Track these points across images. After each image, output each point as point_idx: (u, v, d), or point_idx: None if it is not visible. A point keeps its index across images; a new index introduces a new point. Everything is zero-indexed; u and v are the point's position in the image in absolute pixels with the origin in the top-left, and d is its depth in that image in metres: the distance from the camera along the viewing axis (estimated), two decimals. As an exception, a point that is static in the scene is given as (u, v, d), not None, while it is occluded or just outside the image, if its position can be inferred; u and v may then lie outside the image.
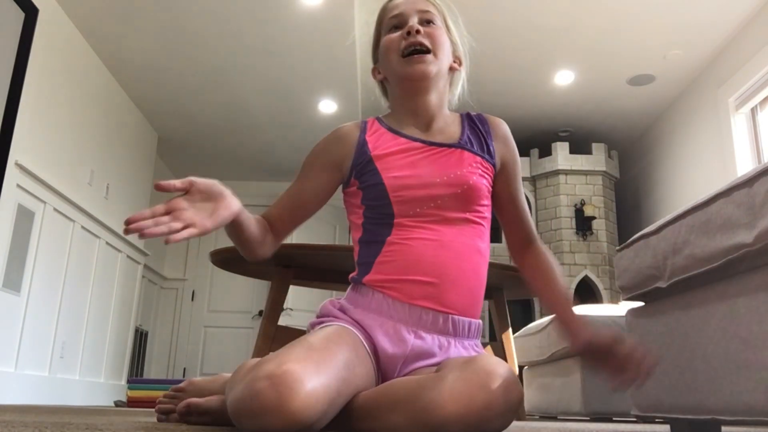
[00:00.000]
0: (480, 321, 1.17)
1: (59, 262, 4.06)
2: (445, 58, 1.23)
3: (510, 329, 2.89)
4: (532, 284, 1.26)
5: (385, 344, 1.06)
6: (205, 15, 4.03)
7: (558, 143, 6.01)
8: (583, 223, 5.81)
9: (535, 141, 6.15)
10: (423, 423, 0.86)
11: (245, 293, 6.59)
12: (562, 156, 5.97)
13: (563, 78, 5.07)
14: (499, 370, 0.88)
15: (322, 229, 6.32)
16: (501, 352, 2.80)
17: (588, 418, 3.07)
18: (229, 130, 5.69)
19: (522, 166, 1.31)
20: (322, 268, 2.58)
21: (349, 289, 1.17)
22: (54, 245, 3.98)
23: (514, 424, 1.88)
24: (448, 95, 1.29)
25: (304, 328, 1.31)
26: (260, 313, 6.33)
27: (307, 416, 0.83)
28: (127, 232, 0.82)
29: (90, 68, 4.41)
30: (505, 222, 1.28)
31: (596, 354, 1.06)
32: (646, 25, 4.35)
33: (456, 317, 1.11)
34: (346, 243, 6.31)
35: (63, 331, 4.13)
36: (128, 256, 5.16)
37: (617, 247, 1.67)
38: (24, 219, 3.63)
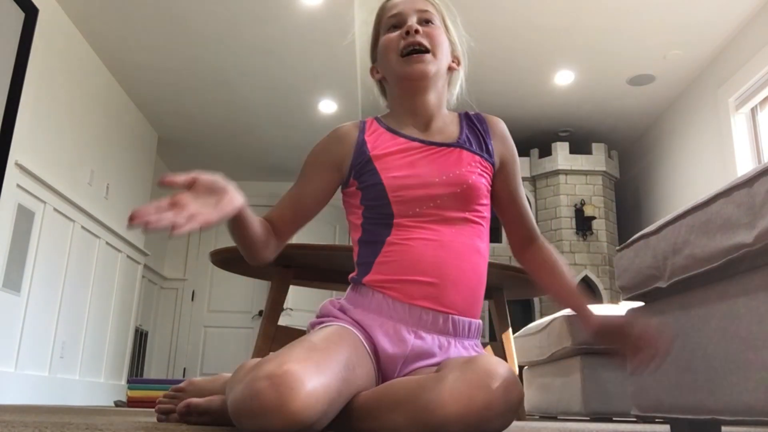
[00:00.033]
0: (480, 321, 1.17)
1: (59, 262, 4.06)
2: (444, 58, 1.23)
3: (510, 329, 2.89)
4: (538, 280, 1.27)
5: (385, 344, 1.06)
6: (205, 15, 4.03)
7: (558, 143, 6.01)
8: (583, 223, 5.81)
9: (535, 141, 6.15)
10: (423, 423, 0.86)
11: (245, 293, 6.59)
12: (562, 156, 5.97)
13: (563, 78, 5.07)
14: (500, 370, 0.88)
15: (322, 229, 6.32)
16: (501, 352, 2.80)
17: (588, 418, 3.07)
18: (229, 130, 5.69)
19: (522, 166, 1.32)
20: (322, 268, 2.58)
21: (348, 289, 1.17)
22: (54, 245, 3.98)
23: (514, 424, 1.89)
24: (446, 95, 1.29)
25: (304, 328, 1.31)
26: (260, 313, 6.33)
27: (307, 416, 0.83)
28: (131, 225, 0.81)
29: (90, 68, 4.41)
30: (506, 220, 1.28)
31: (610, 337, 1.10)
32: (646, 25, 4.35)
33: (456, 317, 1.11)
34: (346, 243, 6.30)
35: (63, 331, 4.13)
36: (128, 256, 5.16)
37: (617, 247, 1.67)
38: (24, 219, 3.63)
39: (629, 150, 6.38)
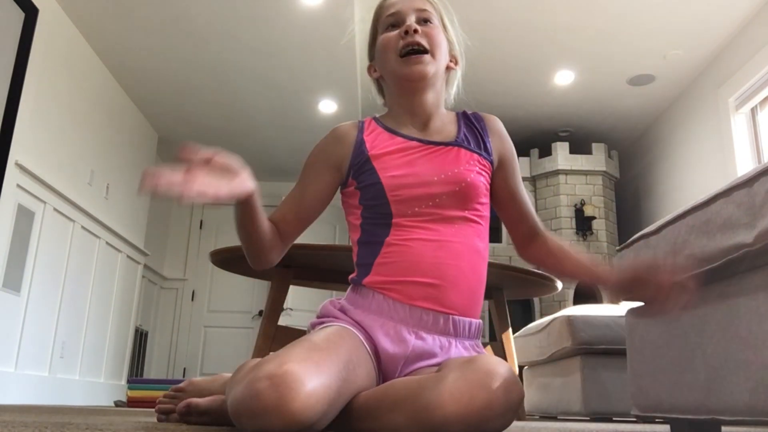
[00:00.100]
0: (480, 321, 1.16)
1: (59, 262, 4.06)
2: (443, 58, 1.23)
3: (510, 329, 2.89)
4: (549, 270, 1.27)
5: (386, 345, 1.06)
6: (205, 15, 4.03)
7: (558, 143, 6.01)
8: (583, 223, 5.81)
9: (535, 141, 6.14)
10: (423, 423, 0.86)
11: (245, 293, 6.59)
12: (562, 156, 5.97)
13: (563, 78, 5.07)
14: (500, 369, 0.88)
15: (322, 229, 6.32)
16: (501, 352, 2.80)
17: (588, 418, 3.07)
18: (229, 130, 5.69)
19: (522, 166, 1.32)
20: (322, 268, 2.58)
21: (349, 289, 1.17)
22: (54, 245, 3.98)
23: (515, 424, 1.89)
24: (444, 94, 1.28)
25: (304, 328, 1.31)
26: (260, 313, 6.33)
27: (307, 416, 0.83)
28: (142, 188, 0.83)
29: (90, 68, 4.41)
30: (508, 218, 1.27)
31: (632, 287, 1.10)
32: (646, 25, 4.35)
33: (456, 317, 1.10)
34: (346, 243, 6.30)
35: (63, 331, 4.13)
36: (128, 256, 5.16)
37: (617, 247, 1.67)
38: (24, 219, 3.63)
39: (629, 150, 6.37)
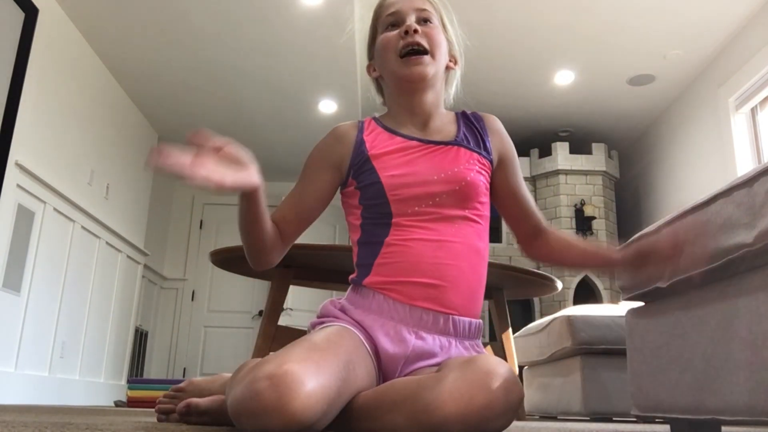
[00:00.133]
0: (480, 321, 1.16)
1: (59, 262, 4.06)
2: (443, 59, 1.23)
3: (510, 329, 2.89)
4: (556, 262, 1.27)
5: (386, 345, 1.06)
6: (205, 15, 4.03)
7: (558, 143, 6.01)
8: (583, 223, 5.81)
9: (535, 141, 6.14)
10: (423, 423, 0.86)
11: (245, 293, 6.59)
12: (562, 156, 5.97)
13: (563, 78, 5.07)
14: (500, 369, 0.88)
15: (322, 229, 6.32)
16: (501, 352, 2.80)
17: (588, 418, 3.07)
18: (229, 130, 5.68)
19: (522, 166, 1.31)
20: (322, 268, 2.58)
21: (349, 289, 1.17)
22: (54, 245, 3.98)
23: (514, 424, 1.89)
24: (443, 94, 1.28)
25: (304, 328, 1.30)
26: (260, 313, 6.33)
27: (307, 417, 0.83)
28: (149, 162, 0.83)
29: (90, 68, 4.41)
30: (511, 216, 1.27)
31: (638, 261, 1.11)
32: (646, 25, 4.35)
33: (456, 317, 1.10)
34: (346, 243, 6.31)
35: (63, 331, 4.13)
36: (128, 256, 5.16)
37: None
38: (24, 219, 3.63)
39: (629, 150, 6.37)
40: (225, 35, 4.25)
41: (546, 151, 6.08)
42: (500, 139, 1.26)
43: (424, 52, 1.19)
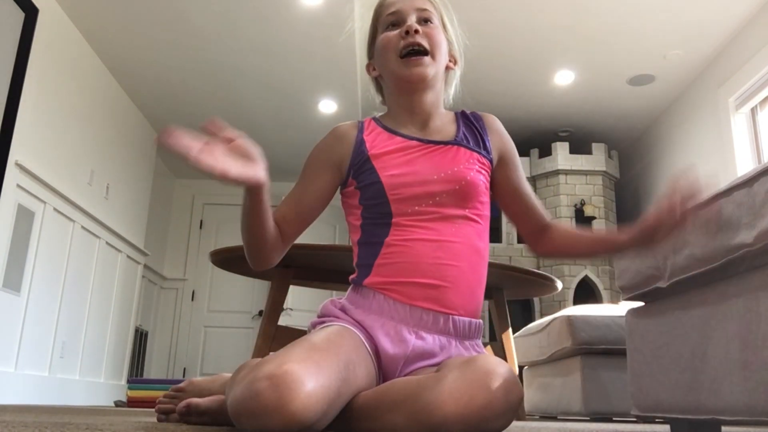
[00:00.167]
0: (480, 321, 1.16)
1: (59, 262, 4.06)
2: (443, 59, 1.23)
3: (510, 329, 2.89)
4: (565, 255, 1.27)
5: (386, 344, 1.06)
6: (205, 15, 4.03)
7: (558, 143, 6.01)
8: (583, 223, 5.80)
9: (535, 141, 6.14)
10: (423, 423, 0.86)
11: (245, 293, 6.59)
12: (562, 156, 5.97)
13: (563, 78, 5.07)
14: (500, 369, 0.88)
15: (322, 229, 6.32)
16: (501, 352, 2.80)
17: (588, 418, 3.07)
18: (229, 130, 5.68)
19: (522, 166, 1.31)
20: (322, 268, 2.58)
21: (349, 289, 1.17)
22: (54, 245, 3.98)
23: (514, 424, 1.89)
24: (443, 94, 1.28)
25: (304, 328, 1.30)
26: (260, 313, 6.33)
27: (307, 417, 0.83)
28: (159, 139, 0.85)
29: (90, 68, 4.41)
30: (515, 214, 1.27)
31: (648, 236, 1.09)
32: (646, 25, 4.35)
33: (456, 317, 1.11)
34: (346, 243, 6.31)
35: (63, 331, 4.13)
36: (128, 256, 5.16)
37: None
38: (24, 219, 3.63)
39: (629, 150, 6.37)
40: (225, 35, 4.25)
41: (546, 151, 6.08)
42: (500, 137, 1.26)
43: (425, 52, 1.19)
